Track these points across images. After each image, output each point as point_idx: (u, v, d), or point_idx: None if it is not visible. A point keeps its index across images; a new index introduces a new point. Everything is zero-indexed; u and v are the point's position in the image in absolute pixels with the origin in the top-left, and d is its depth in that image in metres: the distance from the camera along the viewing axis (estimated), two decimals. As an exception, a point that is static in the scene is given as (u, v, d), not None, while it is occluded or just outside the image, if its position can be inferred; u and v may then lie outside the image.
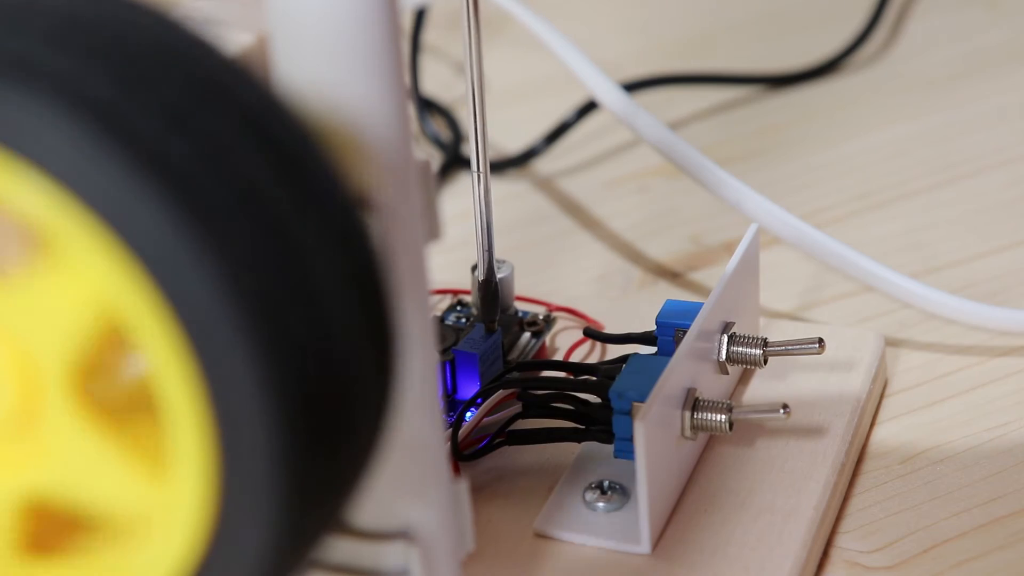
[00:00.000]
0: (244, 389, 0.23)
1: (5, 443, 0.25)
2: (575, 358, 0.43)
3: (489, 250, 0.41)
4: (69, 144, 0.22)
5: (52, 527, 0.26)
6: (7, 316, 0.24)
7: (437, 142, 0.59)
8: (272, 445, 0.23)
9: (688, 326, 0.37)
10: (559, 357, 0.43)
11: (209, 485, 0.24)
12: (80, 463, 0.25)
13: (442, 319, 0.43)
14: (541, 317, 0.43)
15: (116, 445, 0.24)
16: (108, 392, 0.25)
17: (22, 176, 0.22)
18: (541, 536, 0.36)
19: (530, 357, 0.42)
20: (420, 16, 0.62)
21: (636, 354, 0.37)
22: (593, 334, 0.42)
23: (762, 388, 0.41)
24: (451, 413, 0.39)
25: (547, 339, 0.44)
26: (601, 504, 0.37)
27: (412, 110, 0.56)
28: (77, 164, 0.22)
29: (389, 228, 0.27)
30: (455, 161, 0.58)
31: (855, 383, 0.41)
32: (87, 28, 0.23)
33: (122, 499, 0.25)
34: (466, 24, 0.39)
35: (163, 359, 0.23)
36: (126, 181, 0.22)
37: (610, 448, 0.37)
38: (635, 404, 0.35)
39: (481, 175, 0.40)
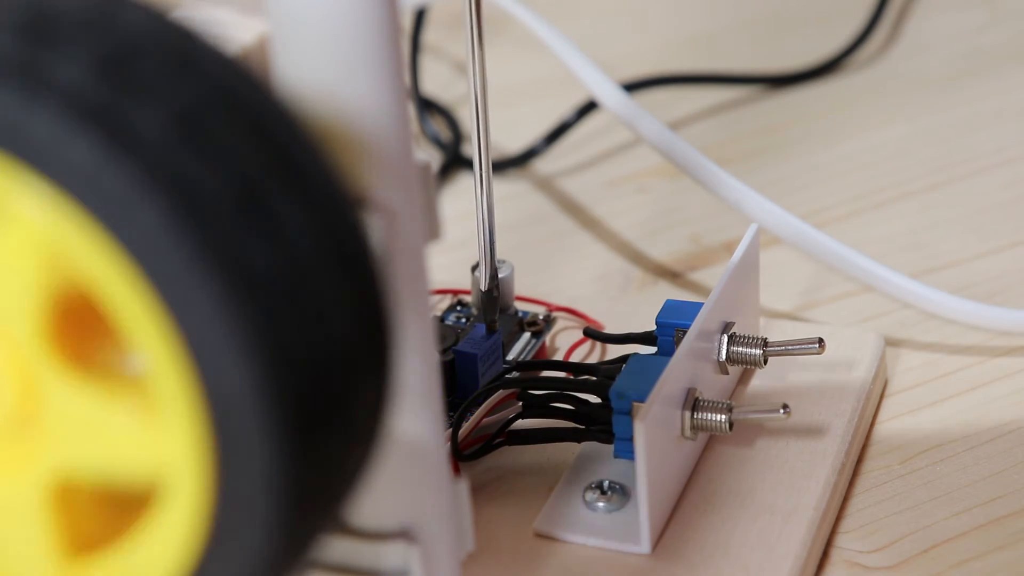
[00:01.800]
0: (240, 391, 0.23)
1: (15, 441, 0.25)
2: (575, 358, 0.43)
3: (491, 253, 0.41)
4: (53, 134, 0.22)
5: (88, 520, 0.26)
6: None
7: (437, 142, 0.59)
8: (270, 445, 0.23)
9: (688, 326, 0.37)
10: (559, 357, 0.43)
11: (208, 474, 0.24)
12: (83, 425, 0.25)
13: (442, 319, 0.43)
14: (541, 317, 0.43)
15: (111, 398, 0.24)
16: (101, 361, 0.25)
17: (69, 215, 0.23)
18: (541, 536, 0.36)
19: (530, 357, 0.42)
20: (420, 16, 0.62)
21: (636, 354, 0.37)
22: (593, 334, 0.42)
23: (762, 388, 0.41)
24: (451, 413, 0.39)
25: (547, 339, 0.44)
26: (601, 504, 0.37)
27: (412, 110, 0.56)
28: (58, 153, 0.22)
29: (389, 228, 0.27)
30: (455, 161, 0.58)
31: (855, 383, 0.41)
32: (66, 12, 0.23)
33: (131, 449, 0.25)
34: (469, 24, 0.39)
35: (156, 352, 0.23)
36: (127, 187, 0.22)
37: (610, 448, 0.37)
38: (635, 404, 0.35)
39: (483, 176, 0.40)
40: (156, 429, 0.24)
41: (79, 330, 0.25)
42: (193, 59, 0.23)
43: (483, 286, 0.41)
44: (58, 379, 0.24)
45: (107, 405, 0.24)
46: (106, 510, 0.26)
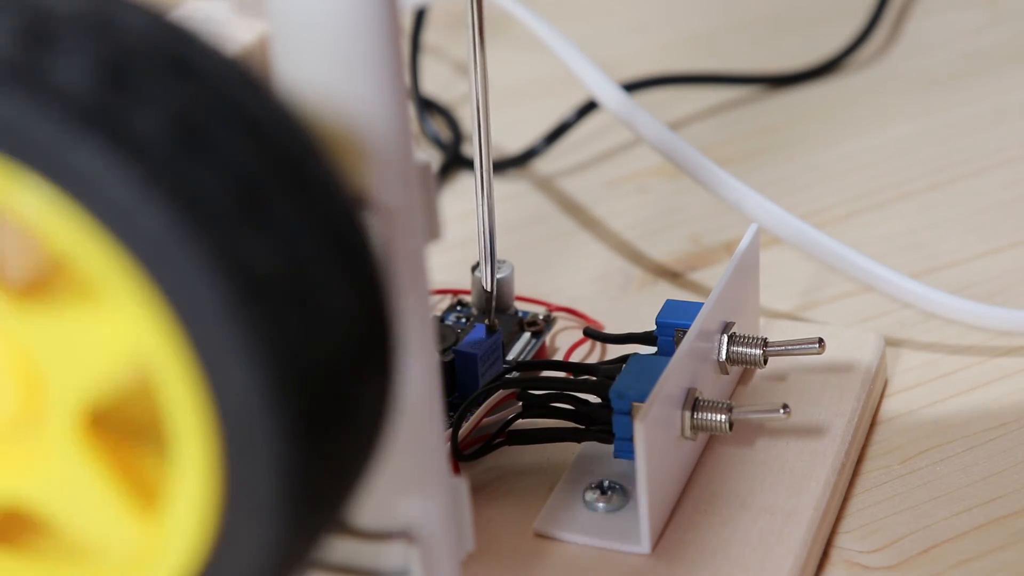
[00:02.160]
0: (253, 404, 0.23)
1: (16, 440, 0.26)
2: (575, 358, 0.43)
3: (491, 253, 0.41)
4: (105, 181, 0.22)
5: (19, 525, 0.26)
6: (32, 336, 0.24)
7: (437, 142, 0.59)
8: (275, 446, 0.23)
9: (688, 326, 0.37)
10: (559, 357, 0.43)
11: (209, 508, 0.24)
12: (71, 490, 0.25)
13: (442, 319, 0.43)
14: (541, 317, 0.43)
15: (113, 481, 0.24)
16: (113, 423, 0.25)
17: (71, 217, 0.23)
18: (541, 536, 0.36)
19: (530, 357, 0.42)
20: (420, 16, 0.62)
21: (636, 354, 0.37)
22: (593, 334, 0.42)
23: (762, 388, 0.41)
24: (451, 413, 0.39)
25: (547, 339, 0.44)
26: (601, 504, 0.37)
27: (412, 110, 0.56)
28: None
29: (389, 228, 0.27)
30: (455, 161, 0.58)
31: (855, 383, 0.41)
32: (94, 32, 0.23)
33: (106, 533, 0.25)
34: (471, 24, 0.39)
35: (161, 356, 0.23)
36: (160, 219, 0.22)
37: (610, 448, 0.37)
38: (635, 404, 0.35)
39: (484, 176, 0.40)
40: (151, 511, 0.24)
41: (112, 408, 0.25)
42: (192, 61, 0.23)
43: (485, 284, 0.41)
44: (69, 440, 0.24)
45: (103, 486, 0.24)
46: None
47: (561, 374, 0.40)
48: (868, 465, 0.40)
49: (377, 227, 0.27)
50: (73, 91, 0.22)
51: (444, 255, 0.44)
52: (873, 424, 0.42)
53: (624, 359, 0.37)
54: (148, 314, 0.23)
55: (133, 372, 0.24)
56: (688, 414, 0.37)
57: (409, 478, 0.30)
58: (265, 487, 0.23)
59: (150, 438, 0.25)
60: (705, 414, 0.37)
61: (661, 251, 0.51)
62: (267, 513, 0.24)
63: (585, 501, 0.37)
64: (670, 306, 0.39)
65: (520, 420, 0.38)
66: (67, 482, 0.25)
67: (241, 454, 0.23)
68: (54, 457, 0.25)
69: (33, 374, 0.25)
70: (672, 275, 0.50)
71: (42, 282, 0.24)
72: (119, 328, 0.23)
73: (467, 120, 0.61)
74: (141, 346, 0.23)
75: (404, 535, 0.30)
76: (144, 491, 0.25)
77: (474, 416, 0.38)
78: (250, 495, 0.24)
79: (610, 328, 0.43)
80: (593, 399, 0.37)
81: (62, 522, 0.25)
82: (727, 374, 0.40)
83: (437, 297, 0.45)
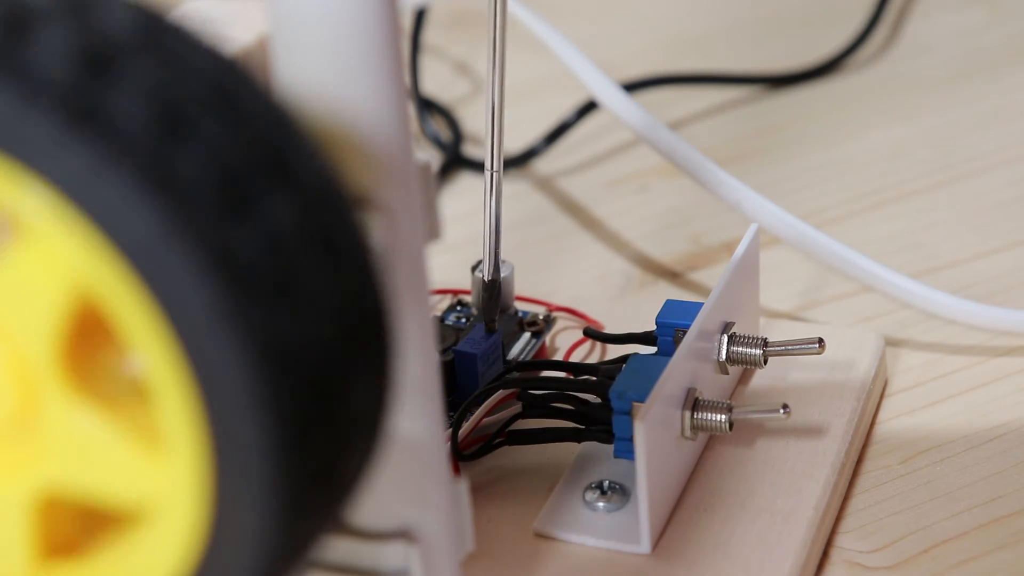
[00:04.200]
0: (239, 393, 0.23)
1: (10, 444, 0.25)
2: (575, 358, 0.43)
3: (495, 246, 0.41)
4: (49, 138, 0.22)
5: (69, 527, 0.26)
6: None
7: (437, 142, 0.59)
8: (270, 450, 0.23)
9: (688, 326, 0.37)
10: (559, 357, 0.43)
11: (205, 472, 0.24)
12: (80, 447, 0.25)
13: (442, 319, 0.43)
14: (541, 317, 0.43)
15: (111, 423, 0.24)
16: (102, 376, 0.25)
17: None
18: (541, 536, 0.36)
19: (530, 357, 0.42)
20: (420, 16, 0.62)
21: (636, 354, 0.37)
22: (593, 334, 0.42)
23: (762, 388, 0.41)
24: (451, 413, 0.39)
25: (547, 339, 0.44)
26: (601, 504, 0.37)
27: (412, 110, 0.56)
28: (53, 152, 0.22)
29: (389, 228, 0.27)
30: (455, 161, 0.58)
31: (855, 383, 0.41)
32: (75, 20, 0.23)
33: (124, 478, 0.25)
34: (491, 26, 0.39)
35: (155, 358, 0.23)
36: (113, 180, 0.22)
37: (610, 448, 0.37)
38: (635, 404, 0.35)
39: (495, 173, 0.40)
40: (154, 452, 0.24)
41: (88, 349, 0.25)
42: (178, 53, 0.23)
43: (487, 277, 0.41)
44: (61, 394, 0.24)
45: (107, 428, 0.24)
46: (90, 519, 0.26)
47: (561, 374, 0.40)
48: (868, 465, 0.40)
49: (377, 227, 0.27)
50: (55, 83, 0.22)
51: (444, 255, 0.44)
52: (873, 424, 0.42)
53: (624, 359, 0.37)
54: (140, 313, 0.23)
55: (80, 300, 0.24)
56: (688, 414, 0.37)
57: (409, 478, 0.30)
58: (257, 490, 0.23)
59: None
60: (705, 414, 0.37)
61: (661, 251, 0.51)
62: (260, 516, 0.24)
63: (585, 501, 0.37)
64: (670, 306, 0.39)
65: (520, 420, 0.38)
66: (78, 442, 0.25)
67: (232, 457, 0.23)
68: (58, 426, 0.25)
69: (13, 354, 0.25)
70: (672, 275, 0.50)
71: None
72: (51, 259, 0.23)
73: (467, 120, 0.61)
74: (136, 344, 0.23)
75: (404, 535, 0.30)
76: (146, 434, 0.25)
77: (474, 416, 0.38)
78: (242, 499, 0.24)
79: (610, 328, 0.43)
80: (593, 399, 0.37)
81: (98, 489, 0.25)
82: (727, 374, 0.40)
83: (437, 297, 0.45)
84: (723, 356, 0.39)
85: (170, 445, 0.24)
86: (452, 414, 0.39)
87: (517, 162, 0.57)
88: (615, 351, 0.41)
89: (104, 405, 0.24)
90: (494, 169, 0.40)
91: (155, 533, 0.25)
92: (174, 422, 0.23)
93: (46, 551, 0.26)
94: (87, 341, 0.24)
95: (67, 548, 0.26)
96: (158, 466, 0.24)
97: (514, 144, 0.58)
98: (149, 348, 0.23)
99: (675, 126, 0.59)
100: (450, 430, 0.38)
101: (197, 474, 0.24)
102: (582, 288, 0.50)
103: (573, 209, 0.55)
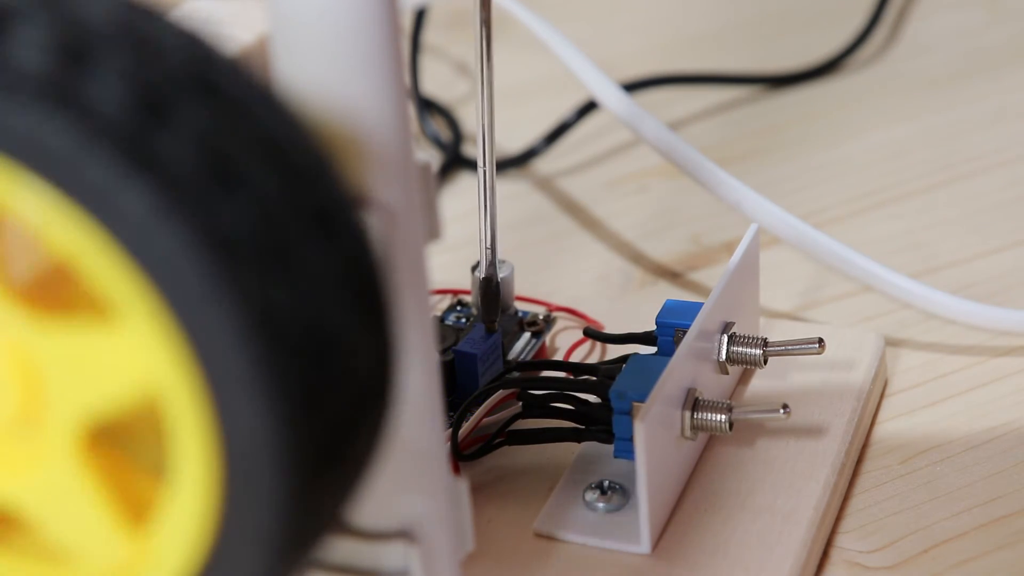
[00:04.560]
0: (245, 394, 0.23)
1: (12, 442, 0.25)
2: (575, 358, 0.43)
3: (492, 248, 0.41)
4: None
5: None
6: (38, 344, 0.24)
7: (437, 142, 0.59)
8: (274, 453, 0.23)
9: (688, 326, 0.37)
10: (559, 357, 0.43)
11: (212, 460, 0.24)
12: (61, 498, 0.25)
13: (442, 319, 0.43)
14: (541, 317, 0.43)
15: (105, 495, 0.24)
16: (112, 438, 0.25)
17: (94, 238, 0.23)
18: (541, 536, 0.36)
19: (530, 357, 0.42)
20: (420, 16, 0.62)
21: (636, 354, 0.37)
22: (593, 334, 0.42)
23: (762, 388, 0.41)
24: (451, 413, 0.39)
25: (547, 339, 0.44)
26: (601, 504, 0.37)
27: (412, 110, 0.56)
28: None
29: (389, 228, 0.27)
30: (455, 161, 0.58)
31: (855, 383, 0.41)
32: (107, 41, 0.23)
33: (91, 544, 0.25)
34: (477, 25, 0.39)
35: (156, 346, 0.23)
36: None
37: (610, 448, 0.37)
38: (635, 404, 0.35)
39: (487, 171, 0.40)
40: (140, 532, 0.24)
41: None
42: (154, 37, 0.23)
43: (482, 274, 0.41)
44: (67, 454, 0.25)
45: (95, 499, 0.24)
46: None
47: (561, 374, 0.40)
48: (868, 465, 0.40)
49: (377, 227, 0.27)
50: (37, 74, 0.22)
51: (444, 255, 0.44)
52: (873, 424, 0.42)
53: (624, 359, 0.37)
54: (161, 340, 0.23)
55: (140, 395, 0.24)
56: (688, 414, 0.37)
57: (409, 478, 0.30)
58: (265, 486, 0.23)
59: (148, 456, 0.25)
60: (705, 414, 0.37)
61: (661, 251, 0.51)
62: (266, 511, 0.24)
63: (585, 501, 0.37)
64: (670, 306, 0.39)
65: (520, 420, 0.38)
66: (57, 490, 0.25)
67: (240, 451, 0.23)
68: (48, 464, 0.25)
69: (36, 380, 0.25)
70: (672, 275, 0.50)
71: (56, 291, 0.24)
72: (130, 353, 0.23)
73: (467, 120, 0.61)
74: (151, 371, 0.23)
75: (404, 535, 0.30)
76: (136, 507, 0.25)
77: (474, 416, 0.38)
78: (250, 494, 0.24)
79: (610, 328, 0.43)
80: (593, 399, 0.37)
81: (48, 527, 0.25)
82: (727, 374, 0.40)
83: (437, 297, 0.45)
84: (723, 356, 0.39)
85: (177, 449, 0.24)
86: (452, 414, 0.39)
87: (517, 162, 0.57)
88: (615, 351, 0.41)
89: (107, 473, 0.25)
90: (485, 166, 0.40)
91: (166, 524, 0.25)
92: (180, 417, 0.23)
93: (127, 514, 0.26)
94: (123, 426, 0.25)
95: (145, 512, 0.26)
96: (137, 542, 0.24)
97: (514, 144, 0.58)
98: (149, 336, 0.23)
99: (675, 126, 0.59)
100: (450, 430, 0.38)
101: (204, 462, 0.24)
102: (582, 288, 0.50)
103: (573, 209, 0.55)
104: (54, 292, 0.24)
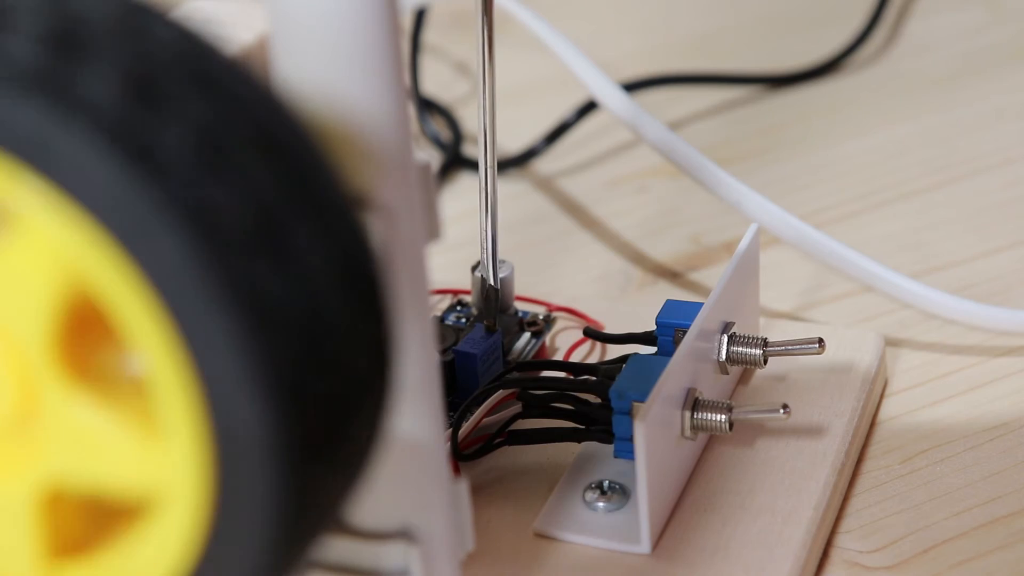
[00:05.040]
0: (239, 389, 0.23)
1: (12, 441, 0.25)
2: (575, 358, 0.43)
3: (493, 248, 0.41)
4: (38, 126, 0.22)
5: (76, 525, 0.26)
6: None
7: (437, 142, 0.59)
8: (270, 447, 0.23)
9: (688, 326, 0.37)
10: (559, 357, 0.43)
11: (205, 452, 0.24)
12: (79, 437, 0.25)
13: (442, 319, 0.43)
14: (541, 317, 0.43)
15: (109, 411, 0.24)
16: (98, 365, 0.25)
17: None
18: (541, 536, 0.36)
19: (530, 357, 0.42)
20: (420, 16, 0.62)
21: (636, 354, 0.37)
22: (593, 334, 0.42)
23: (762, 388, 0.41)
24: (451, 413, 0.39)
25: (547, 339, 0.44)
26: (601, 504, 0.37)
27: (412, 110, 0.56)
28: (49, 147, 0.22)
29: (389, 228, 0.27)
30: (455, 161, 0.58)
31: (855, 383, 0.41)
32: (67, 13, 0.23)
33: (124, 467, 0.25)
34: (480, 25, 0.39)
35: (158, 360, 0.23)
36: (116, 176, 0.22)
37: (610, 448, 0.37)
38: (635, 404, 0.35)
39: (489, 170, 0.40)
40: (155, 445, 0.24)
41: (84, 340, 0.25)
42: (213, 75, 0.23)
43: (488, 278, 0.41)
44: (60, 387, 0.24)
45: (107, 418, 0.24)
46: (95, 514, 0.26)
47: (561, 374, 0.40)
48: (868, 465, 0.40)
49: (377, 227, 0.27)
50: (93, 101, 0.22)
51: (444, 255, 0.44)
52: (873, 424, 0.42)
53: (624, 359, 0.37)
54: (147, 319, 0.23)
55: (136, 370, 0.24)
56: (688, 414, 0.37)
57: (409, 478, 0.30)
58: (259, 490, 0.23)
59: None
60: (705, 414, 0.37)
61: (661, 251, 0.51)
62: (260, 516, 0.24)
63: (585, 501, 0.37)
64: (670, 306, 0.39)
65: (520, 420, 0.38)
66: (77, 433, 0.25)
67: (235, 460, 0.23)
68: (56, 418, 0.25)
69: (11, 348, 0.25)
70: (672, 275, 0.50)
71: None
72: (40, 247, 0.23)
73: (467, 120, 0.61)
74: (139, 350, 0.23)
75: (404, 535, 0.30)
76: (145, 422, 0.25)
77: (474, 416, 0.38)
78: (244, 499, 0.24)
79: (610, 328, 0.43)
80: (593, 399, 0.37)
81: (99, 478, 0.25)
82: (727, 374, 0.40)
83: (437, 297, 0.45)
84: (723, 356, 0.39)
85: (168, 428, 0.24)
86: (452, 414, 0.39)
87: (517, 162, 0.57)
88: (615, 351, 0.41)
89: (105, 395, 0.24)
90: (488, 166, 0.40)
91: (160, 523, 0.25)
92: (170, 401, 0.23)
93: (54, 550, 0.26)
94: (81, 329, 0.24)
95: (75, 547, 0.26)
96: (158, 451, 0.24)
97: (514, 144, 0.58)
98: (155, 354, 0.23)
99: (675, 126, 0.59)
100: (450, 430, 0.38)
101: (198, 455, 0.24)
102: (582, 288, 0.50)
103: (573, 209, 0.55)
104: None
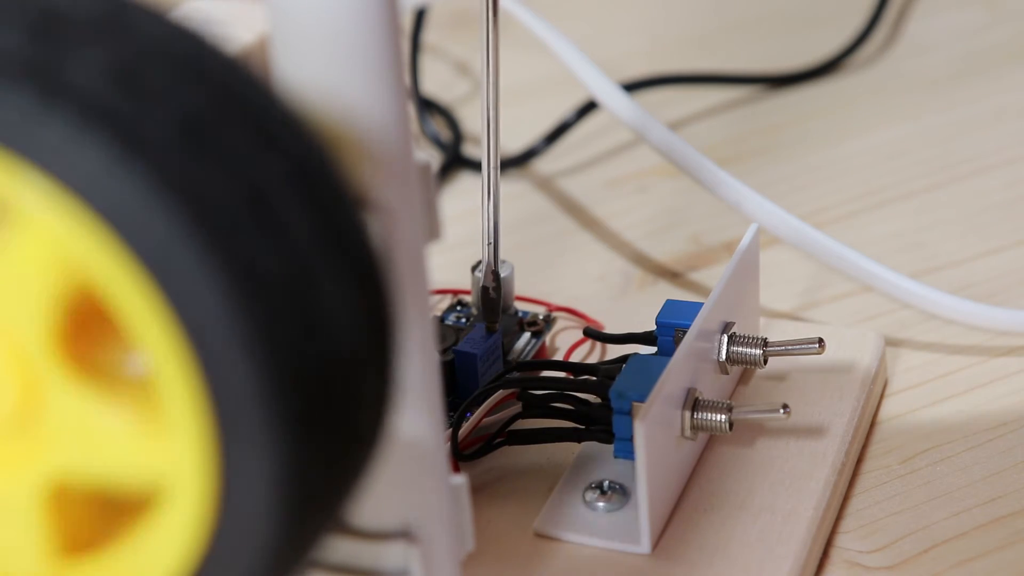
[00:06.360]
0: (242, 389, 0.23)
1: (16, 438, 0.25)
2: (575, 358, 0.43)
3: (494, 246, 0.41)
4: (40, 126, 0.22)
5: (83, 521, 0.26)
6: None
7: (437, 142, 0.59)
8: (272, 447, 0.23)
9: (688, 326, 0.37)
10: (559, 357, 0.43)
11: (210, 446, 0.24)
12: (83, 432, 0.25)
13: (442, 319, 0.43)
14: (541, 317, 0.43)
15: (112, 403, 0.24)
16: (100, 359, 0.25)
17: None
18: (541, 536, 0.36)
19: (530, 357, 0.42)
20: (420, 16, 0.62)
21: (636, 354, 0.37)
22: (593, 334, 0.42)
23: (762, 388, 0.41)
24: (451, 413, 0.39)
25: (547, 339, 0.44)
26: (601, 504, 0.37)
27: (412, 110, 0.56)
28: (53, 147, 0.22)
29: (389, 228, 0.27)
30: (455, 161, 0.58)
31: (855, 383, 0.41)
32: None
33: (129, 460, 0.25)
34: (485, 20, 0.39)
35: (160, 354, 0.23)
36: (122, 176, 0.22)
37: (610, 448, 0.37)
38: (635, 404, 0.35)
39: (491, 170, 0.40)
40: (158, 437, 0.24)
41: (85, 333, 0.25)
42: (199, 63, 0.23)
43: (484, 277, 0.41)
44: (62, 382, 0.24)
45: (109, 411, 0.24)
46: (103, 511, 0.26)
47: (561, 374, 0.40)
48: (868, 465, 0.40)
49: (377, 227, 0.27)
50: (83, 91, 0.22)
51: (444, 255, 0.44)
52: (873, 424, 0.42)
53: (624, 359, 0.37)
54: (148, 310, 0.23)
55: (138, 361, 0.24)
56: (688, 414, 0.37)
57: (409, 478, 0.30)
58: (263, 487, 0.23)
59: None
60: (705, 414, 0.37)
61: (661, 251, 0.51)
62: (264, 514, 0.24)
63: (585, 501, 0.37)
64: (670, 306, 0.39)
65: (520, 420, 0.38)
66: (81, 428, 0.25)
67: (239, 455, 0.23)
68: (59, 413, 0.25)
69: (11, 344, 0.25)
70: (672, 275, 0.50)
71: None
72: (41, 241, 0.23)
73: (467, 120, 0.61)
74: (141, 343, 0.23)
75: (404, 535, 0.30)
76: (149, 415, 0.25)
77: (474, 416, 0.38)
78: (248, 496, 0.24)
79: (610, 328, 0.43)
80: (593, 399, 0.37)
81: (104, 472, 0.25)
82: (727, 374, 0.40)
83: (437, 297, 0.45)
84: (723, 356, 0.39)
85: (172, 418, 0.24)
86: (452, 414, 0.39)
87: (517, 162, 0.57)
88: (615, 351, 0.41)
89: (107, 389, 0.24)
90: (492, 167, 0.40)
91: (166, 516, 0.25)
92: (173, 391, 0.23)
93: (62, 547, 0.26)
94: (82, 323, 0.24)
95: (82, 543, 0.26)
96: (162, 442, 0.24)
97: (514, 144, 0.58)
98: (156, 347, 0.23)
99: (675, 126, 0.59)
100: (450, 430, 0.38)
101: (202, 448, 0.24)
102: (582, 288, 0.50)
103: (573, 209, 0.55)
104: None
